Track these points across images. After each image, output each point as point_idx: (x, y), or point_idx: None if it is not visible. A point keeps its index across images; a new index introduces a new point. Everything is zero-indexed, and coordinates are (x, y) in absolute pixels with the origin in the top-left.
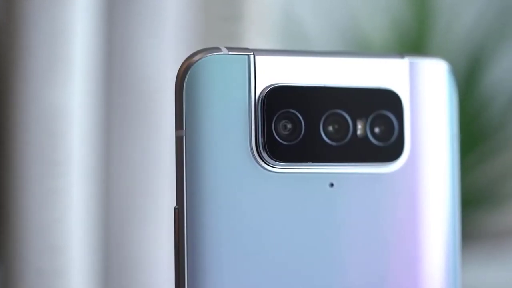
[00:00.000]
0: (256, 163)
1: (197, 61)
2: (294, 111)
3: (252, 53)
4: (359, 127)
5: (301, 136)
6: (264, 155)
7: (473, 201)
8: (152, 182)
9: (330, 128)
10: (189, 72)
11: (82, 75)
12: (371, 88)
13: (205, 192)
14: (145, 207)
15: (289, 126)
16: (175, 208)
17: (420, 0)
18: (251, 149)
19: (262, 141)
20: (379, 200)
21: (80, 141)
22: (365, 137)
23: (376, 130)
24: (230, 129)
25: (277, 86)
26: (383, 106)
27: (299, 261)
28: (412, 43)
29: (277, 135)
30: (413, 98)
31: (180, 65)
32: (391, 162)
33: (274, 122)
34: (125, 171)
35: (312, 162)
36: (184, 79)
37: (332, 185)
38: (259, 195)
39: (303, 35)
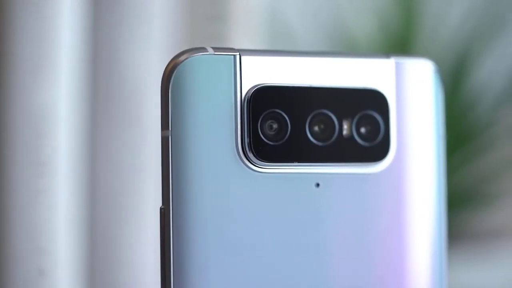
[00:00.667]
0: (242, 163)
1: (183, 61)
2: (280, 111)
3: (238, 53)
4: (345, 127)
5: (287, 136)
6: (250, 155)
7: (459, 201)
8: (138, 182)
9: (316, 128)
10: (175, 72)
11: (68, 75)
12: (357, 88)
13: (191, 192)
14: (131, 207)
15: (275, 126)
16: (161, 208)
17: (407, 0)
18: (237, 149)
19: (248, 141)
20: (365, 200)
21: (66, 141)
22: (351, 137)
23: (362, 130)
24: (216, 129)
25: (263, 86)
26: (369, 106)
27: (285, 261)
28: (399, 43)
29: (263, 135)
30: (399, 98)
31: (166, 65)
32: (377, 162)
33: (260, 122)
34: (111, 171)
35: (298, 162)
36: (170, 79)
37: (318, 185)
38: (245, 195)
39: (289, 35)
